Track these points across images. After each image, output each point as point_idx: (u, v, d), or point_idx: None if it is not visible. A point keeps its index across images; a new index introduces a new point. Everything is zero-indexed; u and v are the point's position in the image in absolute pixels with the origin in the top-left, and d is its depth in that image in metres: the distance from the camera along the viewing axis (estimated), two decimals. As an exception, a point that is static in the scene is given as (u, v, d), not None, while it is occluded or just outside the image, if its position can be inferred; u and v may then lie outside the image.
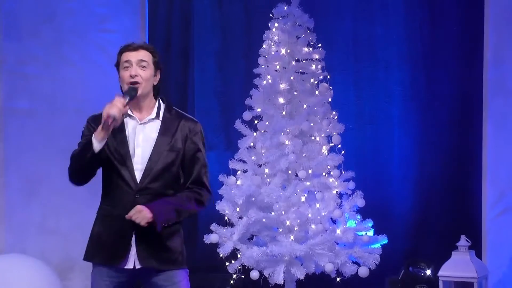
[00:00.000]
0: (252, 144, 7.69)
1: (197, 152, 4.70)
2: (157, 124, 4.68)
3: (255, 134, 7.68)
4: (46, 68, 8.45)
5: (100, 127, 4.50)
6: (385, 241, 7.56)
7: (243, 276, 7.66)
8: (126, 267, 4.63)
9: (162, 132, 4.66)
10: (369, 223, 7.58)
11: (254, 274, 7.52)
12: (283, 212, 7.41)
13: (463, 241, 6.95)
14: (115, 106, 4.47)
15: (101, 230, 4.72)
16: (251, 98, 7.70)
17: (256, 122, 7.68)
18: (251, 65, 7.79)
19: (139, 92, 4.61)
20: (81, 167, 4.67)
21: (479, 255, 7.25)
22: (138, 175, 4.62)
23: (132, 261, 4.64)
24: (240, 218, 7.56)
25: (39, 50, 8.44)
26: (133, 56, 4.66)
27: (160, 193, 4.63)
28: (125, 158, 4.62)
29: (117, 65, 4.75)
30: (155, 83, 4.70)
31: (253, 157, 7.67)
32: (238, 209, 7.57)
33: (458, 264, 6.94)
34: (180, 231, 4.75)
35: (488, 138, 7.42)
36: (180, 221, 4.71)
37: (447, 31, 8.07)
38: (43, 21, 8.43)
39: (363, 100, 8.40)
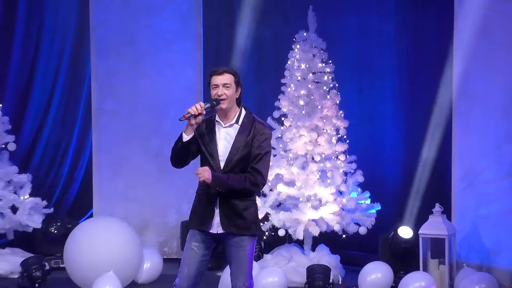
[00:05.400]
0: (279, 135, 7.89)
1: (258, 148, 4.72)
2: (236, 127, 4.77)
3: (282, 128, 7.89)
4: (128, 79, 8.61)
5: (188, 123, 4.66)
6: (379, 208, 7.77)
7: (273, 234, 7.85)
8: (210, 231, 4.73)
9: (240, 132, 4.74)
10: (367, 194, 7.78)
11: (281, 232, 7.72)
12: (302, 186, 7.62)
13: (437, 208, 7.03)
14: (194, 106, 4.62)
15: (197, 204, 4.81)
16: (279, 101, 7.89)
17: (282, 119, 7.90)
18: (279, 76, 7.97)
19: (225, 106, 4.71)
20: (175, 154, 4.75)
21: (449, 218, 7.31)
22: (222, 164, 4.70)
23: (216, 227, 4.72)
24: (271, 190, 7.77)
25: (122, 66, 8.61)
26: (219, 80, 4.74)
27: None
28: (213, 151, 4.72)
29: (209, 84, 4.83)
30: (237, 97, 4.80)
31: (280, 145, 7.88)
32: (269, 184, 7.73)
33: (434, 225, 7.00)
34: (255, 205, 4.81)
35: (456, 130, 7.48)
36: (253, 197, 4.78)
37: (426, 51, 8.22)
38: (125, 44, 8.61)
39: (364, 102, 8.55)
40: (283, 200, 7.75)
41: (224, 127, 4.75)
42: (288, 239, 7.85)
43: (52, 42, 9.33)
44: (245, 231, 4.71)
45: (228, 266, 4.91)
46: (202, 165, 4.76)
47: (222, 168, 4.69)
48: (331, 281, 7.12)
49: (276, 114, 7.82)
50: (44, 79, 9.37)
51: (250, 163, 4.71)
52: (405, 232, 7.48)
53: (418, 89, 8.19)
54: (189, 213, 4.88)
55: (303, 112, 7.71)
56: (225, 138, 4.74)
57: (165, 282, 7.39)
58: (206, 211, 4.72)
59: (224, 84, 4.71)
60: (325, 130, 7.74)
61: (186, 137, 4.67)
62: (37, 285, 7.36)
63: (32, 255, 7.87)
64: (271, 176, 7.62)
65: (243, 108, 4.82)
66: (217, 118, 4.79)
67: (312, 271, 7.09)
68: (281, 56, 8.05)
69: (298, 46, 7.79)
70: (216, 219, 4.70)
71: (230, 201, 4.69)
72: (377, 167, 8.26)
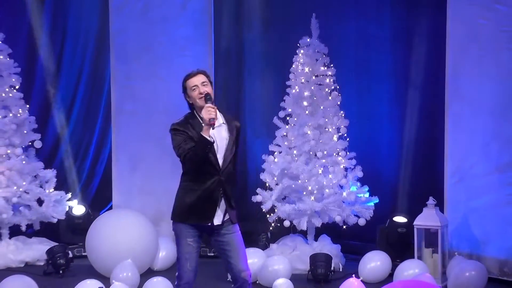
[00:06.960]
0: (285, 133, 7.94)
1: (238, 145, 4.90)
2: (224, 127, 4.82)
3: (287, 126, 7.93)
4: (144, 82, 8.64)
5: (206, 127, 4.57)
6: (377, 201, 7.84)
7: (278, 225, 7.89)
8: (208, 224, 4.79)
9: (228, 132, 4.82)
10: (366, 188, 7.83)
11: (286, 223, 7.77)
12: (306, 181, 7.68)
13: (431, 201, 7.06)
14: (213, 111, 4.59)
15: (193, 200, 4.73)
16: (284, 102, 7.93)
17: (288, 118, 7.94)
18: (284, 78, 8.00)
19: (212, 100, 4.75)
20: (202, 158, 4.65)
21: (442, 210, 7.32)
22: (221, 162, 4.74)
23: (215, 221, 4.78)
24: (277, 184, 7.83)
25: (140, 70, 8.64)
26: (196, 80, 4.79)
27: (231, 172, 4.82)
28: (210, 150, 4.69)
29: (185, 90, 4.83)
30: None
31: (285, 143, 7.93)
32: (275, 178, 7.81)
33: (427, 216, 7.03)
34: None
35: (449, 129, 7.49)
36: None
37: (420, 55, 8.22)
38: (142, 49, 8.65)
39: (362, 103, 8.56)
40: (288, 193, 7.79)
41: (216, 127, 4.70)
42: (292, 229, 7.88)
43: (75, 47, 9.43)
44: (235, 219, 4.84)
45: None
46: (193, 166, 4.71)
47: (221, 165, 4.73)
48: (332, 268, 7.19)
49: (281, 114, 7.87)
50: (68, 82, 9.44)
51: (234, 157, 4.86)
52: (400, 219, 7.57)
53: (413, 91, 8.20)
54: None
55: (307, 112, 7.77)
56: (219, 137, 4.75)
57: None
58: (208, 207, 4.73)
59: (202, 82, 4.74)
60: (327, 129, 7.79)
61: (211, 138, 4.62)
62: (61, 271, 7.49)
63: (57, 244, 7.97)
64: (277, 171, 7.67)
65: None
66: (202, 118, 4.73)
67: (315, 259, 7.16)
68: (286, 60, 8.07)
69: (302, 51, 7.83)
70: (218, 213, 4.74)
71: (229, 196, 4.77)
72: (375, 163, 8.27)
